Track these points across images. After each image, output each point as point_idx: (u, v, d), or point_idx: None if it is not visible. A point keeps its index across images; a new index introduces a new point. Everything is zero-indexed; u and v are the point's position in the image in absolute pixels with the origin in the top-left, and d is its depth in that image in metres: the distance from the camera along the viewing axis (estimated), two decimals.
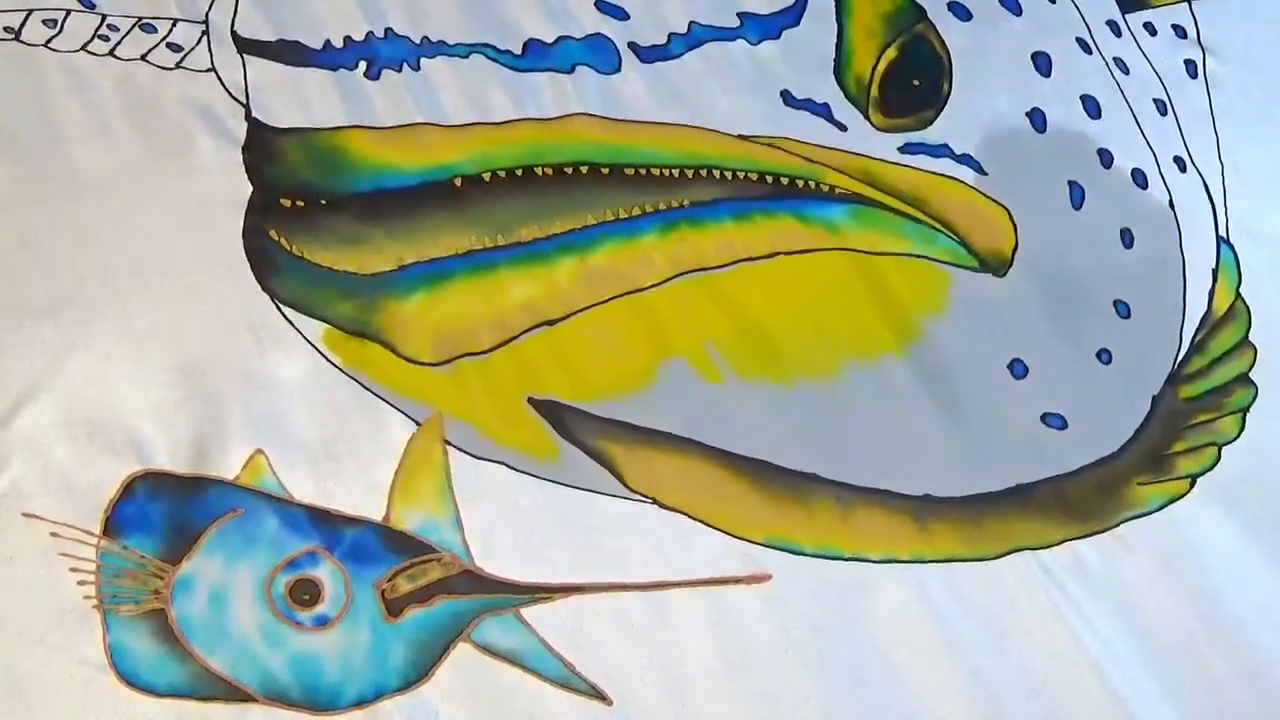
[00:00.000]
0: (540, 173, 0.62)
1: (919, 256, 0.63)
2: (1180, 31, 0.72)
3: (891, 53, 0.64)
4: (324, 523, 0.53)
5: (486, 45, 0.67)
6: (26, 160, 0.60)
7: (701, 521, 0.55)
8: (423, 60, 0.66)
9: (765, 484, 0.56)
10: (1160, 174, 0.65)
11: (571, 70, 0.66)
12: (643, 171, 0.63)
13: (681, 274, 0.61)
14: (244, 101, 0.63)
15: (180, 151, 0.62)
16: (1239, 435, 0.60)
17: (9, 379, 0.54)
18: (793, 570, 0.54)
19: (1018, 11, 0.67)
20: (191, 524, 0.52)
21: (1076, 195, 0.63)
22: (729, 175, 0.64)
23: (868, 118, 0.64)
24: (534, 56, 0.66)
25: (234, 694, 0.49)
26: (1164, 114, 0.67)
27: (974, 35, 0.65)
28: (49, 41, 0.64)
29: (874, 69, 0.64)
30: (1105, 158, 0.64)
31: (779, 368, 0.59)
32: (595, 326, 0.59)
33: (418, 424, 0.56)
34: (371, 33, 0.66)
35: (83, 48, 0.64)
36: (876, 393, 0.59)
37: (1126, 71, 0.67)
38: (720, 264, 0.61)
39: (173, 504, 0.52)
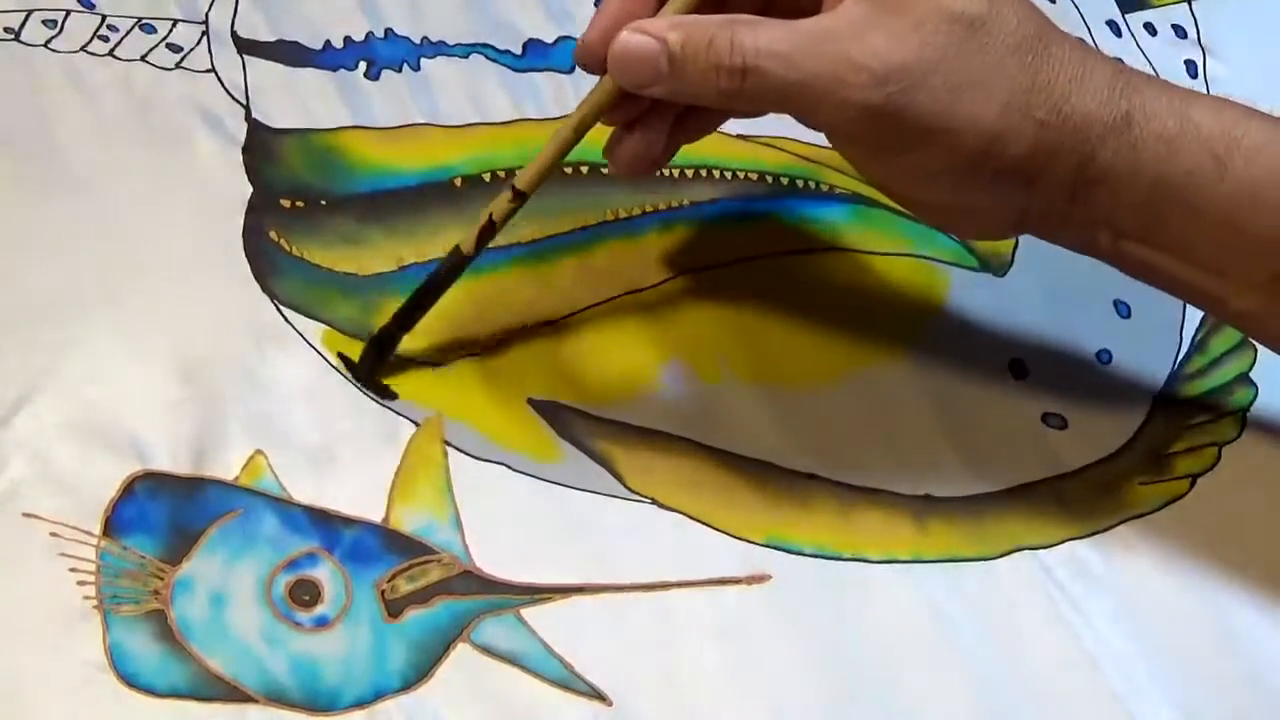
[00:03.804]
0: None
1: (919, 256, 0.63)
2: (1180, 32, 0.72)
3: None
4: (324, 523, 0.53)
5: (486, 45, 0.67)
6: (25, 160, 0.60)
7: (701, 522, 0.55)
8: (423, 60, 0.66)
9: (765, 484, 0.56)
10: None
11: (571, 70, 0.66)
12: None
13: (681, 274, 0.61)
14: (244, 102, 0.63)
15: (180, 152, 0.62)
16: (1239, 435, 0.60)
17: (9, 379, 0.54)
18: (792, 570, 0.54)
19: None
20: (191, 524, 0.52)
21: None
22: (729, 175, 0.64)
23: None
24: (534, 56, 0.67)
25: (234, 695, 0.49)
26: None
27: None
28: (49, 42, 0.64)
29: None
30: None
31: (779, 368, 0.59)
32: (596, 327, 0.59)
33: (417, 424, 0.56)
34: (371, 33, 0.66)
35: (82, 48, 0.64)
36: (876, 392, 0.59)
37: None
38: (720, 264, 0.61)
39: (173, 504, 0.52)
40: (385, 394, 0.56)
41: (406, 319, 0.56)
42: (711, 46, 0.49)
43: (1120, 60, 0.52)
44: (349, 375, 0.56)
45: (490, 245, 0.60)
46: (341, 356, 0.56)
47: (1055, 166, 0.50)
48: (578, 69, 0.65)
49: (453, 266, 0.55)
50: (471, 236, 0.55)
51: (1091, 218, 0.52)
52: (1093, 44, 0.68)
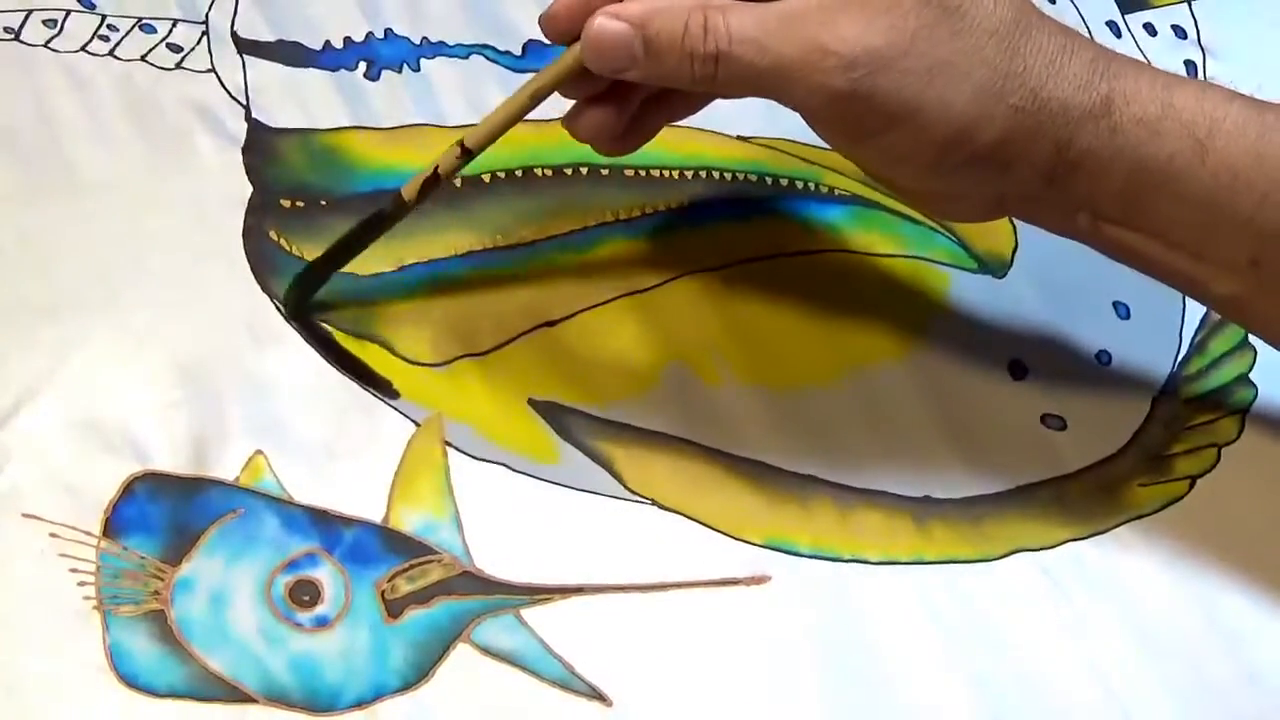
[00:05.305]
0: (540, 174, 0.62)
1: (918, 257, 0.63)
2: (1180, 32, 0.72)
3: None
4: (323, 523, 0.53)
5: (486, 46, 0.67)
6: (26, 160, 0.60)
7: (701, 523, 0.55)
8: (422, 61, 0.66)
9: (764, 485, 0.56)
10: None
11: None
12: (642, 173, 0.63)
13: (681, 275, 0.61)
14: (244, 102, 0.63)
15: (180, 152, 0.62)
16: (1239, 436, 0.60)
17: (9, 379, 0.54)
18: (792, 572, 0.54)
19: None
20: (191, 525, 0.52)
21: None
22: (728, 176, 0.64)
23: None
24: (533, 57, 0.67)
25: (234, 695, 0.49)
26: None
27: None
28: (49, 42, 0.64)
29: None
30: None
31: (779, 369, 0.59)
32: (596, 327, 0.59)
33: (417, 424, 0.56)
34: (371, 33, 0.66)
35: (82, 48, 0.64)
36: (875, 393, 0.59)
37: None
38: (720, 265, 0.61)
39: (173, 505, 0.52)
40: (289, 314, 0.56)
41: (338, 257, 0.57)
42: (686, 32, 0.49)
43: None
44: (373, 390, 0.56)
45: (491, 246, 0.60)
46: (363, 372, 0.57)
47: (1031, 151, 0.50)
48: None
49: (393, 211, 0.56)
50: (415, 185, 0.55)
51: (1070, 201, 0.52)
52: None
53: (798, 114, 0.52)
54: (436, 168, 0.55)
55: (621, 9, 0.50)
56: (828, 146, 0.54)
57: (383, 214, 0.56)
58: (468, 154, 0.54)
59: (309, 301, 0.57)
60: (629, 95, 0.54)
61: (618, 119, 0.54)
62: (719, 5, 0.49)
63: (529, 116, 0.64)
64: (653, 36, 0.50)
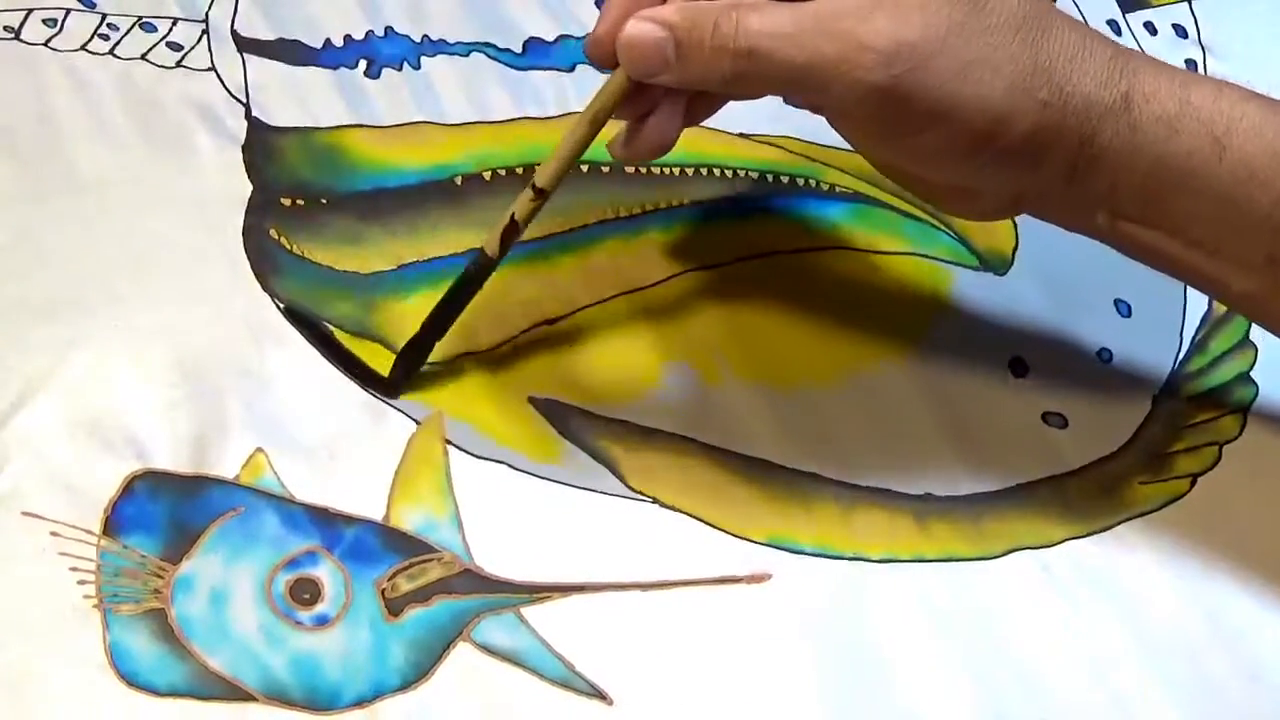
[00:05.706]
0: None
1: (920, 255, 0.63)
2: (1181, 31, 0.72)
3: None
4: (324, 522, 0.53)
5: (487, 44, 0.67)
6: (26, 159, 0.60)
7: (702, 521, 0.55)
8: (423, 59, 0.66)
9: (766, 484, 0.56)
10: None
11: (572, 69, 0.66)
12: (643, 170, 0.63)
13: (682, 273, 0.61)
14: (244, 100, 0.63)
15: (180, 150, 0.62)
16: (1239, 434, 0.59)
17: (9, 378, 0.54)
18: (793, 570, 0.54)
19: None
20: (191, 523, 0.52)
21: None
22: (730, 174, 0.64)
23: None
24: (534, 55, 0.67)
25: (234, 693, 0.49)
26: None
27: None
28: (49, 41, 0.64)
29: None
30: None
31: (780, 367, 0.59)
32: (597, 326, 0.59)
33: (418, 423, 0.56)
34: (371, 31, 0.66)
35: (82, 47, 0.64)
36: (876, 391, 0.59)
37: None
38: (721, 263, 0.61)
39: (173, 503, 0.52)
40: (389, 392, 0.56)
41: (436, 327, 0.56)
42: (716, 30, 0.49)
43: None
44: (373, 390, 0.56)
45: None
46: (363, 371, 0.56)
47: (1057, 148, 0.50)
48: (578, 67, 0.66)
49: (479, 270, 0.55)
50: (495, 237, 0.54)
51: (1090, 198, 0.52)
52: None
53: (811, 113, 0.52)
54: (513, 215, 0.54)
55: (653, 12, 0.50)
56: (829, 144, 0.54)
57: (469, 274, 0.55)
58: (542, 194, 0.53)
59: (413, 378, 0.56)
60: (676, 106, 0.53)
61: (671, 131, 0.53)
62: (750, 4, 0.49)
63: (532, 114, 0.65)
64: (684, 36, 0.49)
